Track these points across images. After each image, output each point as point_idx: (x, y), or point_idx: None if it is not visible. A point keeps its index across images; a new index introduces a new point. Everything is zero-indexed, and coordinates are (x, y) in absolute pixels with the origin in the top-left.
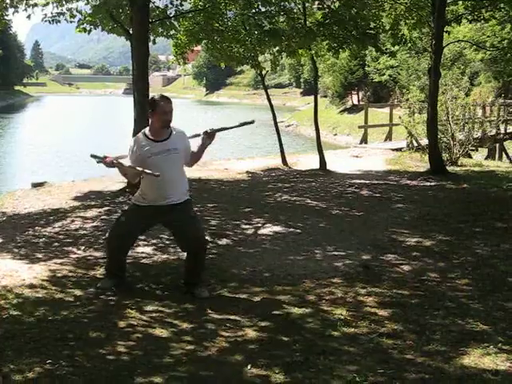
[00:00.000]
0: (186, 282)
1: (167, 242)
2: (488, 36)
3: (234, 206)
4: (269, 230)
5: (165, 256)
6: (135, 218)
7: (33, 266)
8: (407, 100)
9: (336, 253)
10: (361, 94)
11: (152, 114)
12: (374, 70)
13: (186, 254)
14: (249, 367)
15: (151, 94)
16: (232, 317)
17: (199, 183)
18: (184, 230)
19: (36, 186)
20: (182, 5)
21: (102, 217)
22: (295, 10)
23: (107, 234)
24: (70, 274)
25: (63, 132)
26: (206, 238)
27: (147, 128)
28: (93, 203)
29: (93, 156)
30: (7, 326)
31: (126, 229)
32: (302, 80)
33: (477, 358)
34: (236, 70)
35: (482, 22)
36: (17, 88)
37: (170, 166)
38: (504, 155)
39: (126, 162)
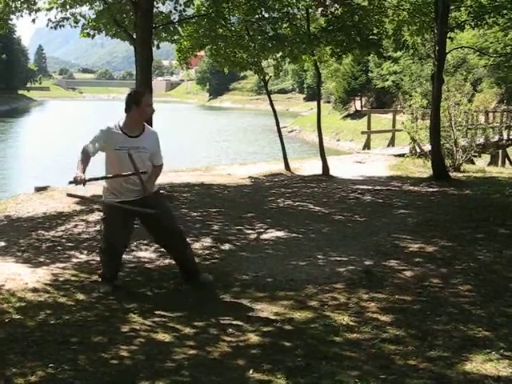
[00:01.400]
0: (185, 278)
1: None
2: (491, 42)
3: (237, 211)
4: (271, 235)
5: (167, 261)
6: (115, 216)
7: (36, 269)
8: (410, 106)
9: (338, 258)
10: (364, 99)
11: (136, 107)
12: (377, 76)
13: (167, 252)
14: (251, 372)
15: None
16: (234, 322)
17: (202, 188)
18: (158, 220)
19: (39, 190)
20: (185, 10)
21: None
22: (298, 16)
23: (101, 244)
24: (73, 278)
25: (66, 136)
26: (181, 227)
27: (121, 121)
28: (96, 207)
29: (70, 182)
30: (10, 330)
31: (114, 230)
32: (305, 85)
33: (479, 364)
34: (239, 75)
35: (485, 28)
36: (20, 92)
37: (137, 163)
38: (507, 161)
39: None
